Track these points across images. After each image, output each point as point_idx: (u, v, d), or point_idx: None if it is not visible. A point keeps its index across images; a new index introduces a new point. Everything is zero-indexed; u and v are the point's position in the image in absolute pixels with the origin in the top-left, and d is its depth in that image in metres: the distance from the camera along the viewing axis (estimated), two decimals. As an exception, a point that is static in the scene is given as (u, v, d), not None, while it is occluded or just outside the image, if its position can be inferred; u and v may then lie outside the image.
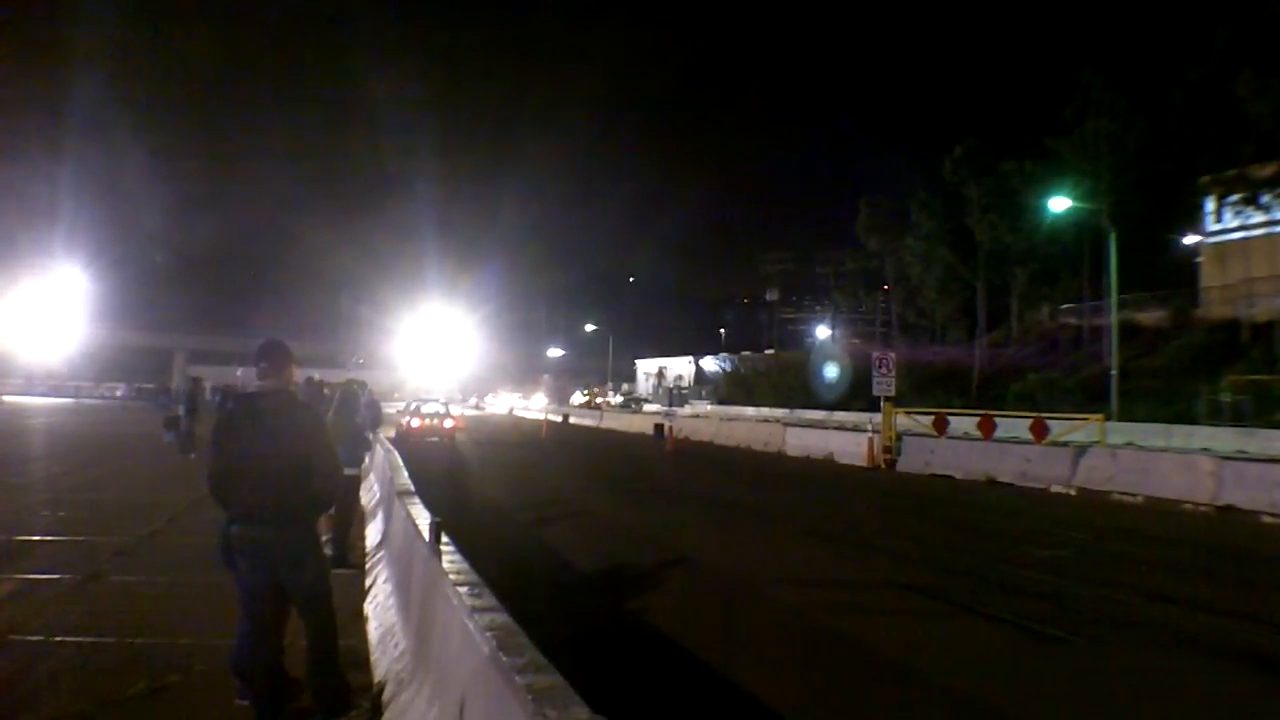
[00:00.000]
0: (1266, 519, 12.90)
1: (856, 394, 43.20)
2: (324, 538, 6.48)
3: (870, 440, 22.01)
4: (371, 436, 14.16)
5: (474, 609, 3.36)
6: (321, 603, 4.41)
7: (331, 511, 6.90)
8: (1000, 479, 17.70)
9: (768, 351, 79.78)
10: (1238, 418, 29.47)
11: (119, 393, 67.98)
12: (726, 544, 10.73)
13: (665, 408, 59.69)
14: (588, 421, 47.13)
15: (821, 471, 21.15)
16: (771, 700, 5.02)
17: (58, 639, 5.60)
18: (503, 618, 3.28)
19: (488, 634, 2.97)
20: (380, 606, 6.06)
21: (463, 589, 3.76)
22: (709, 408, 64.83)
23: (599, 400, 78.09)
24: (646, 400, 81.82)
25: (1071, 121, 41.52)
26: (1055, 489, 16.46)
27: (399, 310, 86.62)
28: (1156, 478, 15.17)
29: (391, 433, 22.38)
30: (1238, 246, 40.56)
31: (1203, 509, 13.90)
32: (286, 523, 4.22)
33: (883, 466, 21.08)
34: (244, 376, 55.08)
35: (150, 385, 65.29)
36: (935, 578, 8.80)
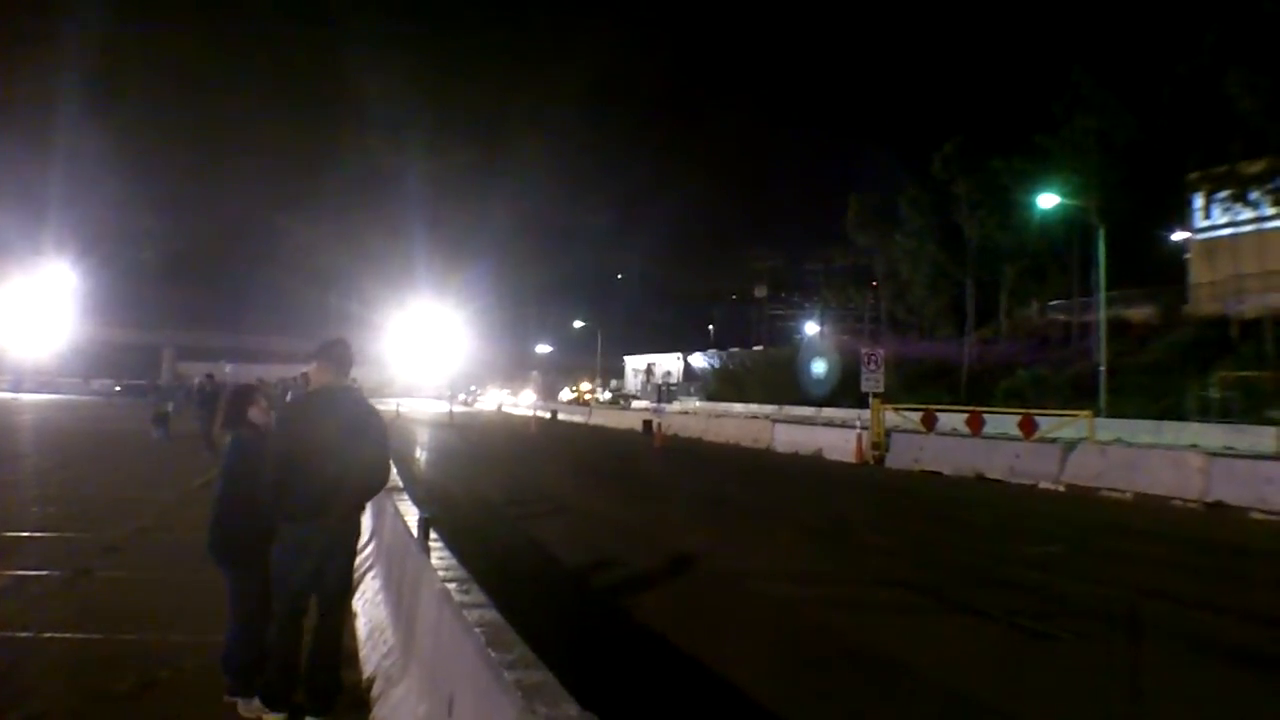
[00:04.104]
0: (1255, 515, 12.99)
1: (845, 390, 43.24)
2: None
3: (859, 437, 22.06)
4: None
5: (463, 605, 3.36)
6: (345, 597, 4.56)
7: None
8: (989, 475, 17.75)
9: (756, 348, 79.75)
10: (1226, 414, 29.67)
11: (116, 388, 67.52)
12: (715, 540, 10.74)
13: (654, 404, 59.69)
14: (576, 418, 47.05)
15: (810, 468, 21.18)
16: (761, 696, 5.04)
17: (46, 635, 5.57)
18: (491, 614, 3.28)
19: (477, 630, 2.97)
20: (369, 603, 6.04)
21: (452, 585, 3.76)
22: (698, 404, 64.84)
23: (587, 396, 77.96)
24: (635, 396, 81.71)
25: (1060, 118, 41.59)
26: (1044, 485, 16.52)
27: (388, 307, 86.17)
28: (1145, 474, 15.23)
29: None
30: (1227, 243, 40.74)
31: (1192, 505, 13.98)
32: (344, 516, 4.33)
33: (871, 463, 21.13)
34: (234, 373, 54.90)
35: (140, 380, 64.86)
36: (924, 574, 8.84)
